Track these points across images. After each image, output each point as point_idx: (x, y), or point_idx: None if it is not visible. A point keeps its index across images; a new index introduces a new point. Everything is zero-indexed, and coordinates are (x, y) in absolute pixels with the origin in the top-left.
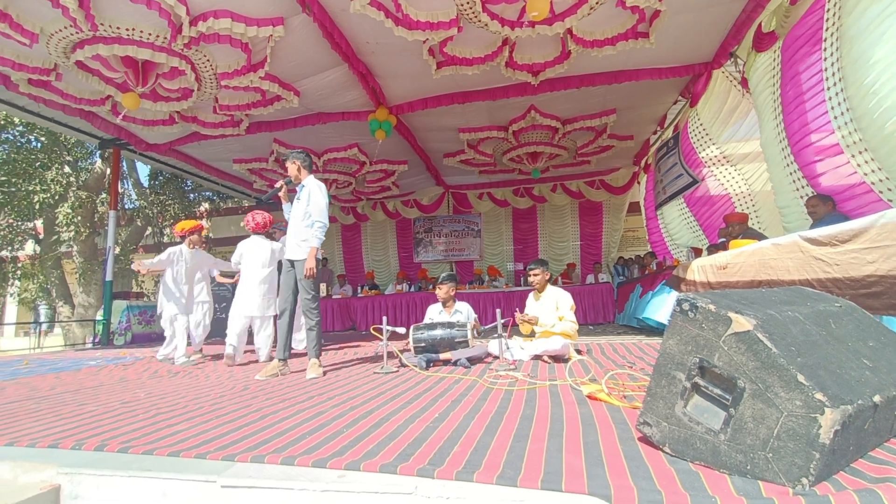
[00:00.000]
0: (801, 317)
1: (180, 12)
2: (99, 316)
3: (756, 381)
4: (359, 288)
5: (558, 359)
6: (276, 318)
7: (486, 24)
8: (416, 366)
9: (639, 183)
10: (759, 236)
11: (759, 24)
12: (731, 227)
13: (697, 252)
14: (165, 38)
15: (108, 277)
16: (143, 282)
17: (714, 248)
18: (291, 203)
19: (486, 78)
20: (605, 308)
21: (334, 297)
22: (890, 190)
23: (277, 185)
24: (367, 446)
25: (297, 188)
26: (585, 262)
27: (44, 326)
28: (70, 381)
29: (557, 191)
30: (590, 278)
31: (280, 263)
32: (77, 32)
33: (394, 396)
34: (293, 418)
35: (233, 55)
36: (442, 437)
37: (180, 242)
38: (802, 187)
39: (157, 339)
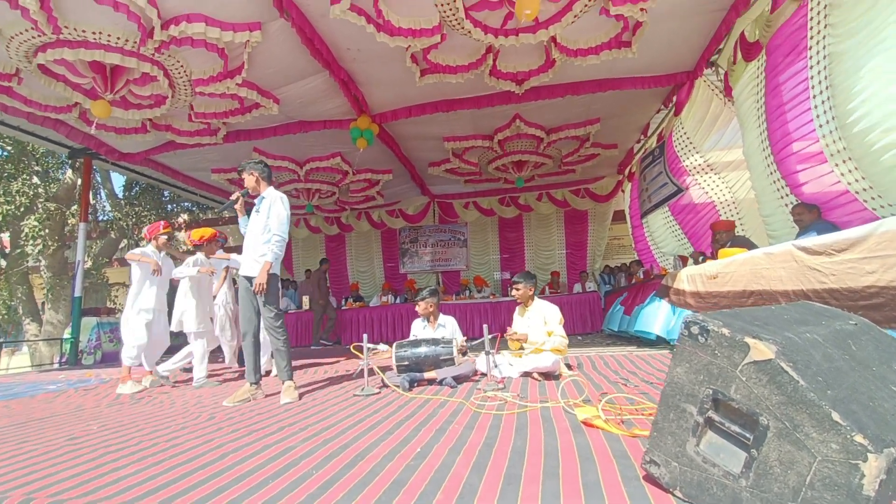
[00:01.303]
0: (819, 339)
1: (151, 15)
2: (67, 334)
3: (782, 419)
4: (343, 300)
5: (549, 375)
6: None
7: (469, 32)
8: (398, 386)
9: (623, 191)
10: (748, 244)
11: (743, 34)
12: (719, 234)
13: (684, 260)
14: (135, 42)
15: (77, 293)
16: (116, 297)
17: (699, 256)
18: (248, 216)
19: (470, 86)
20: (593, 317)
21: None
22: (874, 199)
23: (233, 196)
24: (336, 494)
25: (256, 200)
26: (571, 270)
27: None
28: (20, 410)
29: (543, 199)
30: (577, 287)
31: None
32: (39, 35)
33: (373, 426)
34: (257, 457)
35: (208, 61)
36: (424, 479)
37: (194, 251)
38: (786, 195)
39: None
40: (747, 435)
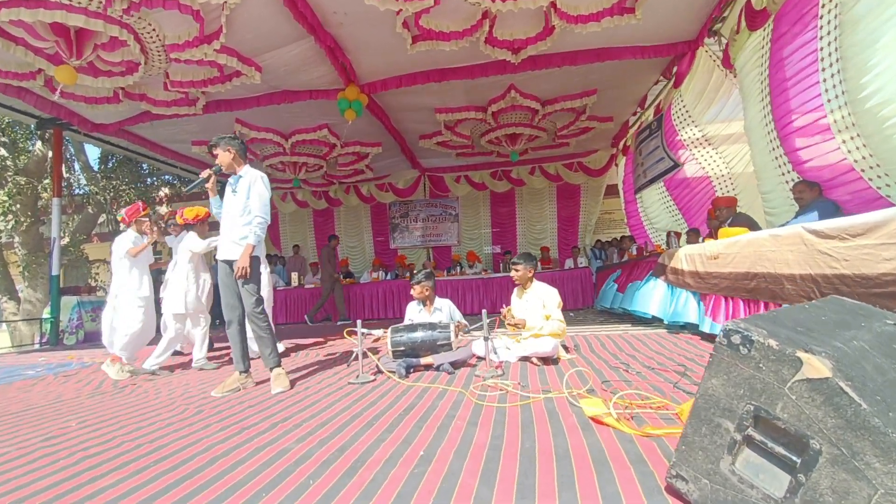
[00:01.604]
0: (866, 346)
1: None
2: (46, 314)
3: (838, 445)
4: None
5: (547, 360)
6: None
7: None
8: (393, 373)
9: (616, 165)
10: (750, 222)
11: (750, 1)
12: (720, 211)
13: (677, 236)
14: (101, 2)
15: (55, 271)
16: (97, 274)
17: (693, 234)
18: (220, 196)
19: (464, 55)
20: (585, 293)
21: (307, 286)
22: (879, 177)
23: (204, 174)
24: None
25: (232, 179)
26: (563, 245)
27: None
28: None
29: (536, 174)
30: (569, 263)
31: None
32: None
33: (370, 421)
34: (250, 462)
35: (182, 24)
36: (431, 491)
37: (189, 228)
38: (787, 172)
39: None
40: (793, 458)
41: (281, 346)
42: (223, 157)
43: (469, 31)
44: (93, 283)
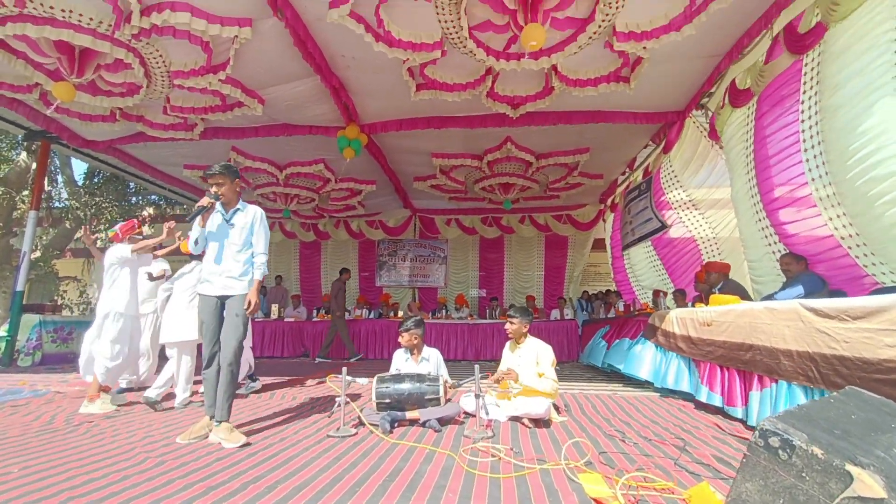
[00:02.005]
0: None
1: None
2: (3, 331)
3: None
4: (314, 311)
5: (538, 422)
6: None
7: (471, 51)
8: (376, 426)
9: (604, 220)
10: (741, 290)
11: (734, 81)
12: (709, 276)
13: (656, 294)
14: (109, 25)
15: (19, 287)
16: (64, 292)
17: (679, 294)
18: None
19: (465, 105)
20: (571, 346)
21: (286, 319)
22: (866, 255)
23: (205, 203)
24: None
25: (223, 210)
26: (548, 295)
27: None
28: None
29: (525, 223)
30: (554, 314)
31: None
32: None
33: (352, 487)
34: None
35: (190, 53)
36: None
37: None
38: (774, 243)
39: (74, 359)
40: None
41: (258, 384)
42: (228, 188)
43: (472, 85)
44: (59, 301)
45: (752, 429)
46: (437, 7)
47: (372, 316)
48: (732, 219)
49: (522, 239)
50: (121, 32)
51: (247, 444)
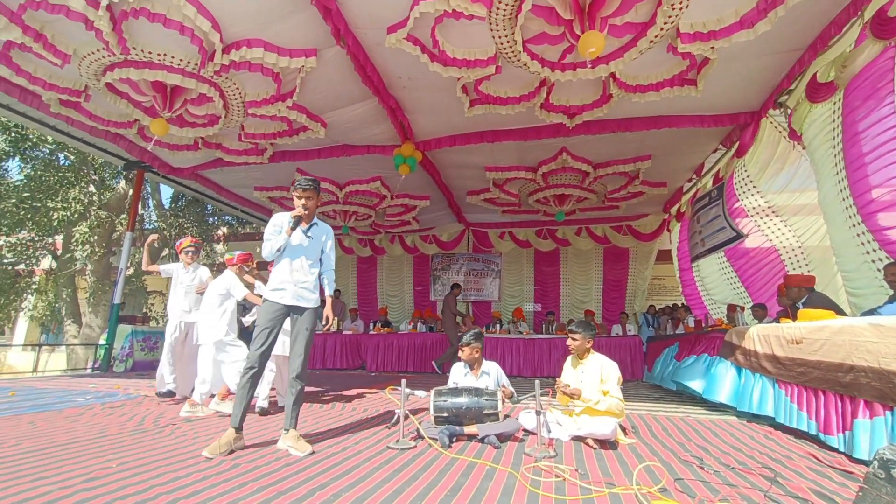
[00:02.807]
0: None
1: (214, 39)
2: (103, 340)
3: None
4: (371, 324)
5: (604, 443)
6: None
7: (525, 65)
8: (435, 440)
9: (669, 230)
10: (831, 304)
11: (815, 75)
12: (790, 290)
13: (731, 308)
14: (196, 64)
15: (117, 300)
16: (152, 304)
17: (760, 309)
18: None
19: (519, 118)
20: (634, 363)
21: (345, 332)
22: None
23: (300, 212)
24: None
25: (306, 225)
26: (608, 310)
27: (51, 341)
28: (45, 428)
29: (582, 234)
30: (616, 329)
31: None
32: (109, 56)
33: (413, 501)
34: None
35: (262, 84)
36: None
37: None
38: (874, 251)
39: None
40: None
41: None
42: (314, 204)
43: (527, 97)
44: (148, 314)
45: (858, 461)
46: (491, 24)
47: (425, 329)
48: (821, 225)
49: (579, 251)
50: (205, 70)
51: (312, 454)
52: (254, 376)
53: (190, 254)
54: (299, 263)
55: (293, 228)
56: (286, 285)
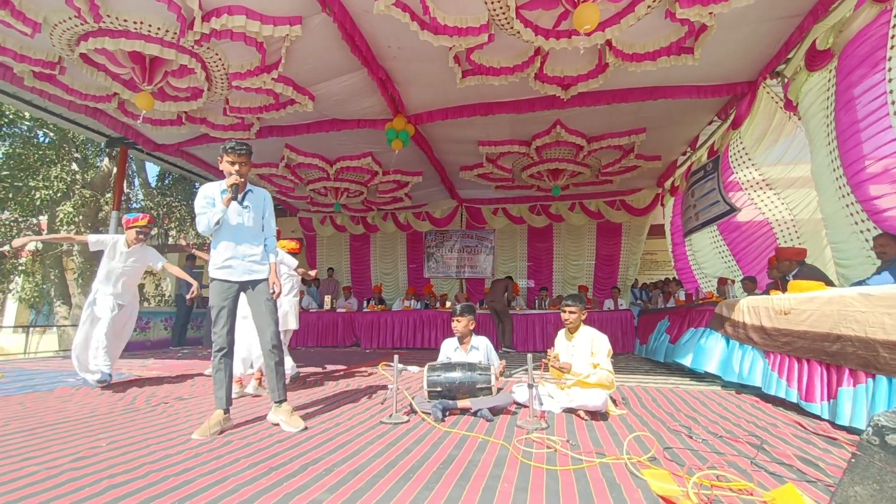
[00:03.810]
0: None
1: (192, 6)
2: None
3: None
4: (365, 302)
5: (595, 414)
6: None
7: (518, 32)
8: (428, 414)
9: (663, 205)
10: (822, 275)
11: (814, 42)
12: (780, 263)
13: (722, 282)
14: (175, 33)
15: None
16: (142, 285)
17: (749, 282)
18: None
19: (512, 89)
20: (626, 337)
21: (338, 310)
22: None
23: (236, 180)
24: None
25: (231, 191)
26: (599, 285)
27: (42, 323)
28: (34, 408)
29: (576, 210)
30: (608, 303)
31: None
32: (81, 23)
33: (407, 473)
34: None
35: (246, 55)
36: None
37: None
38: (862, 221)
39: (152, 346)
40: None
41: (293, 368)
42: (245, 168)
43: (520, 68)
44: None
45: (842, 428)
46: None
47: (419, 306)
48: (814, 198)
49: (572, 227)
50: (185, 39)
51: (304, 430)
52: (225, 356)
53: (141, 235)
54: (243, 236)
55: (233, 198)
56: (233, 262)
